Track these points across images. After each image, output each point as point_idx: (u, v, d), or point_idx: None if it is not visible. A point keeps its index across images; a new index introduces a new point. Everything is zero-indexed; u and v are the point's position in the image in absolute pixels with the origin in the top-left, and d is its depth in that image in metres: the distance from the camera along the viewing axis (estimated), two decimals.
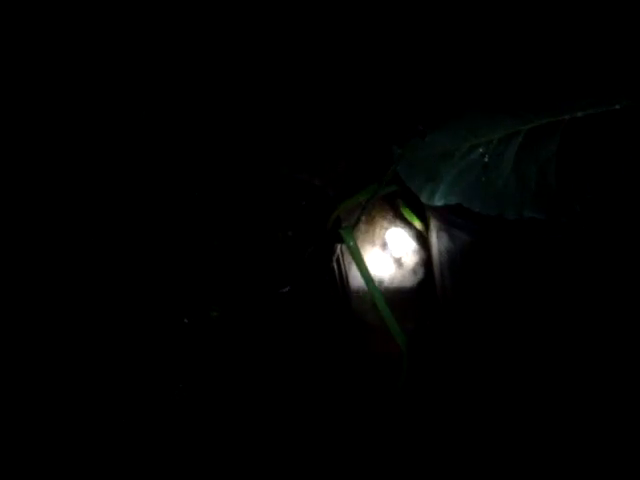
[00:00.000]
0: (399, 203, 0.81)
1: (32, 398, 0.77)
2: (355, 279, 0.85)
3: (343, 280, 0.85)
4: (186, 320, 0.72)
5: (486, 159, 0.73)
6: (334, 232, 0.81)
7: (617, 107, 0.69)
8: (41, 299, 0.79)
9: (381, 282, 0.83)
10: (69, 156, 0.82)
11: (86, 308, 0.79)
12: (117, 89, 0.83)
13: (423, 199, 0.75)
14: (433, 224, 0.82)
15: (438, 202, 0.74)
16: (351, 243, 0.73)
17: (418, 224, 0.82)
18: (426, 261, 0.84)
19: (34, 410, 0.77)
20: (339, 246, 0.85)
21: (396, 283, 0.84)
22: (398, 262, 0.84)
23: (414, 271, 0.85)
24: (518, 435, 0.75)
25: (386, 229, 0.86)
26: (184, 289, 0.74)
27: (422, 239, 0.85)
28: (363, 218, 0.80)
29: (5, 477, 0.73)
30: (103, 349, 0.77)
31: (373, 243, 0.85)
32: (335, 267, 0.83)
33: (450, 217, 0.79)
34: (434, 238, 0.82)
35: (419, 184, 0.75)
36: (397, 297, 0.83)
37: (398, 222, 0.85)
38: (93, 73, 0.82)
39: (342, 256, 0.85)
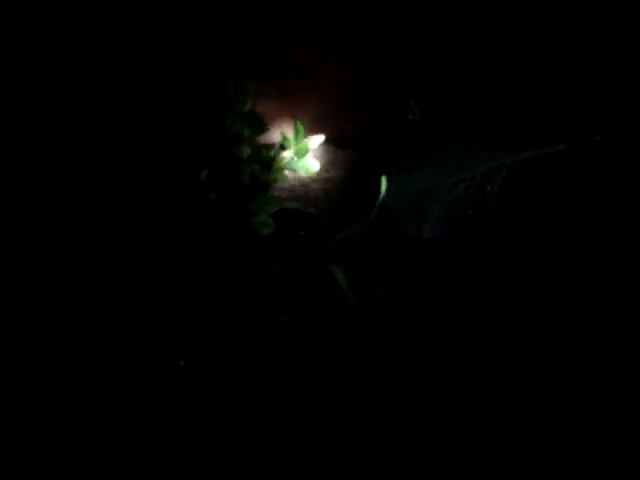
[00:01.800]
0: (389, 234, 0.83)
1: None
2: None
3: (342, 307, 0.87)
4: (183, 361, 0.75)
5: (471, 192, 0.74)
6: (330, 262, 0.83)
7: (598, 139, 0.70)
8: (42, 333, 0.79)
9: (374, 309, 0.84)
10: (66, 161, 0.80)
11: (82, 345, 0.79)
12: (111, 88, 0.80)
13: (411, 232, 0.77)
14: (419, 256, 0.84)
15: (426, 235, 0.76)
16: (339, 278, 0.76)
17: (408, 253, 0.84)
18: (417, 289, 0.86)
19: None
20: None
21: (387, 311, 0.86)
22: (389, 291, 0.86)
23: (404, 299, 0.87)
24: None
25: (378, 259, 0.88)
26: (185, 323, 0.77)
27: (412, 266, 0.87)
28: (354, 250, 0.82)
29: (5, 474, 0.73)
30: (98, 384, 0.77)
31: (365, 274, 0.88)
32: (334, 294, 0.85)
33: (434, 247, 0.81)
34: (421, 266, 0.84)
35: (407, 218, 0.77)
36: (388, 322, 0.85)
37: (389, 252, 0.87)
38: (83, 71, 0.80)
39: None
